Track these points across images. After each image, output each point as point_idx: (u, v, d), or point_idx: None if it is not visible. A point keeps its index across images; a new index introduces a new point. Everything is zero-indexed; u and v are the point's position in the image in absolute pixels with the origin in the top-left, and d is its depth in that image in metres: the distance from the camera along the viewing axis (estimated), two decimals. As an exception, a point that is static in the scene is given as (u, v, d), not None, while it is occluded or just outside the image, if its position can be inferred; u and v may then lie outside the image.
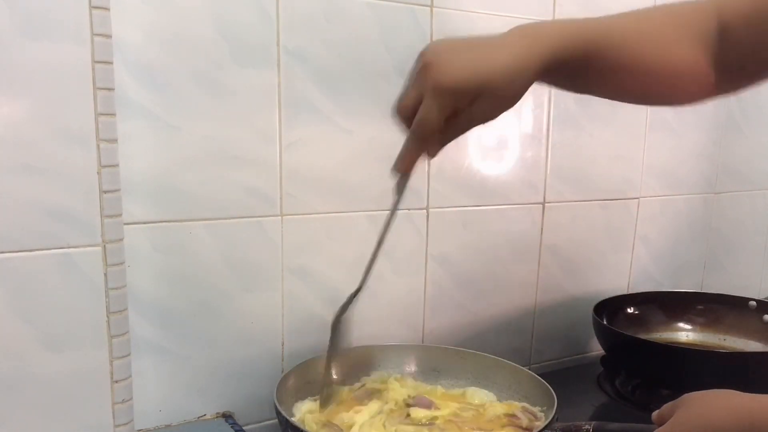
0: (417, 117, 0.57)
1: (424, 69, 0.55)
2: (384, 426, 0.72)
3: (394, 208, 0.66)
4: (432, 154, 0.61)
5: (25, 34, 0.63)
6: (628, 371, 1.00)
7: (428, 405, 0.77)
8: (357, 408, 0.76)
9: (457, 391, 0.84)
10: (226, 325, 0.81)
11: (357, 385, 0.82)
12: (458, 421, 0.75)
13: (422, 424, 0.73)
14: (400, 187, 0.65)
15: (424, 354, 0.89)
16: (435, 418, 0.75)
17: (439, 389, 0.84)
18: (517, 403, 0.80)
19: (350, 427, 0.72)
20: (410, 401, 0.78)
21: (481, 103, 0.57)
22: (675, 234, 1.25)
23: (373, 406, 0.77)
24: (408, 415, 0.75)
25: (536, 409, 0.77)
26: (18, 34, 0.62)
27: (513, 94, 0.59)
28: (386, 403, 0.77)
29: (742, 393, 0.50)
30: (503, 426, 0.74)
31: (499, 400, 0.82)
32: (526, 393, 0.80)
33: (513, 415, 0.75)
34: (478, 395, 0.82)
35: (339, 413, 0.76)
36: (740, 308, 1.11)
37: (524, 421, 0.74)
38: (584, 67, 0.59)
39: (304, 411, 0.76)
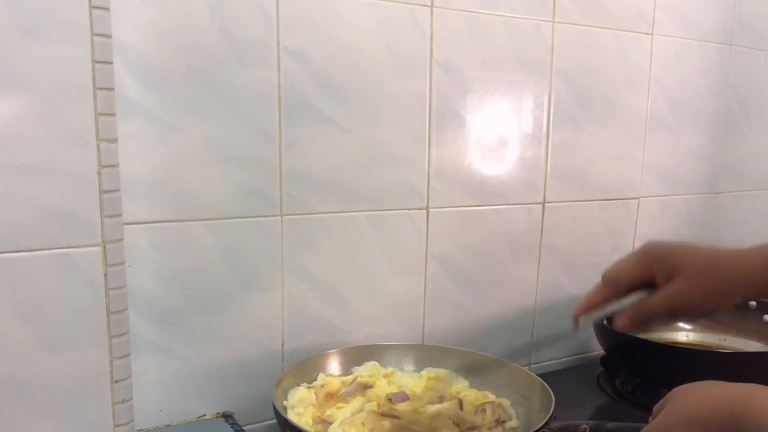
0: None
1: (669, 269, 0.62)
2: (363, 424, 0.72)
3: None
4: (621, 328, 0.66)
5: (25, 34, 0.63)
6: (628, 371, 1.00)
7: (405, 399, 0.79)
8: (339, 405, 0.77)
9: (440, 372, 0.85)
10: (226, 325, 0.81)
11: (350, 378, 0.82)
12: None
13: (393, 416, 0.75)
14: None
15: (423, 353, 0.89)
16: (415, 411, 0.76)
17: (425, 374, 0.85)
18: (497, 398, 0.80)
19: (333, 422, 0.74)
20: (391, 396, 0.79)
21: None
22: (675, 234, 1.24)
23: (356, 403, 0.77)
24: (390, 409, 0.76)
25: (512, 411, 0.78)
26: (18, 34, 0.62)
27: None
28: (369, 400, 0.77)
29: (726, 383, 0.51)
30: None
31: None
32: (526, 393, 0.80)
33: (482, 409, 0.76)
34: (456, 383, 0.84)
35: (331, 408, 0.76)
36: (740, 308, 1.11)
37: (487, 416, 0.75)
38: None
39: (297, 397, 0.76)
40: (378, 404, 0.77)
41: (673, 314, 0.65)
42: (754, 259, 0.62)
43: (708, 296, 0.62)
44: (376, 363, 0.85)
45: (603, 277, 0.68)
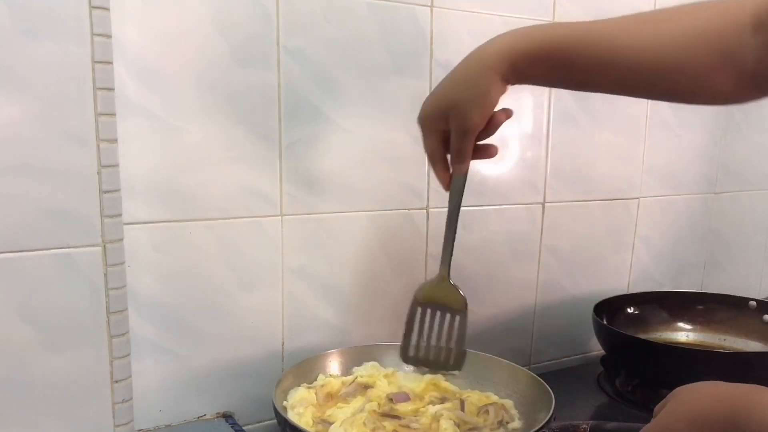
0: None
1: (443, 118, 0.69)
2: (364, 424, 0.72)
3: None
4: (459, 171, 0.73)
5: (25, 34, 0.63)
6: (628, 371, 1.00)
7: (405, 399, 0.78)
8: (340, 405, 0.76)
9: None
10: (226, 325, 0.81)
11: (350, 378, 0.82)
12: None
13: (394, 416, 0.75)
14: (456, 190, 0.75)
15: (424, 354, 0.88)
16: (416, 411, 0.76)
17: (426, 378, 0.84)
18: (500, 399, 0.80)
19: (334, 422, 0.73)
20: (392, 396, 0.79)
21: (453, 118, 0.69)
22: (675, 234, 1.25)
23: (357, 403, 0.77)
24: (391, 409, 0.76)
25: (515, 412, 0.78)
26: (18, 34, 0.62)
27: (473, 99, 0.69)
28: (370, 400, 0.77)
29: (726, 383, 0.51)
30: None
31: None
32: (526, 393, 0.80)
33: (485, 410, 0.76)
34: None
35: (331, 408, 0.76)
36: (740, 308, 1.11)
37: (490, 418, 0.75)
38: (562, 63, 0.67)
39: (297, 398, 0.76)
40: (378, 404, 0.77)
41: (468, 138, 0.70)
42: None
43: (480, 105, 0.69)
44: (376, 363, 0.85)
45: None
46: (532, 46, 0.67)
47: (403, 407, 0.77)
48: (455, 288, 0.79)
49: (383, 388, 0.80)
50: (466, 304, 0.78)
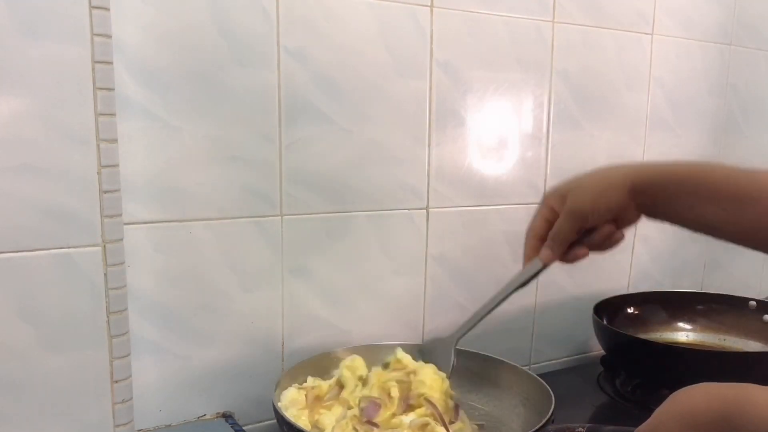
0: (554, 229, 0.73)
1: (561, 197, 0.72)
2: (354, 429, 0.71)
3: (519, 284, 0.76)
4: (545, 256, 0.74)
5: (25, 34, 0.63)
6: (628, 371, 1.00)
7: (376, 410, 0.75)
8: (321, 410, 0.75)
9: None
10: (226, 325, 0.81)
11: (332, 381, 0.80)
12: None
13: (373, 424, 0.73)
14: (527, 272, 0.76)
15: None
16: (390, 419, 0.74)
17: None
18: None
19: (323, 428, 0.73)
20: (363, 408, 0.75)
21: (570, 197, 0.72)
22: (675, 234, 1.24)
23: (337, 409, 0.75)
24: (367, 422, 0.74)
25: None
26: (18, 33, 0.62)
27: (595, 187, 0.72)
28: (349, 407, 0.75)
29: (721, 383, 0.51)
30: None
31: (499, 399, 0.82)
32: (526, 393, 0.80)
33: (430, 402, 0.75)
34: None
35: (317, 413, 0.75)
36: (740, 308, 1.11)
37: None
38: (670, 196, 0.69)
39: (288, 399, 0.76)
40: (355, 415, 0.74)
41: (578, 226, 0.71)
42: (633, 165, 0.73)
43: (596, 195, 0.71)
44: (356, 358, 0.82)
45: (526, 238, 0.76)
46: (664, 170, 0.71)
47: (379, 416, 0.74)
48: (452, 355, 0.79)
49: (351, 387, 0.78)
50: (449, 374, 0.78)
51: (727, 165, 0.71)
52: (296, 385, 0.78)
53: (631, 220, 0.73)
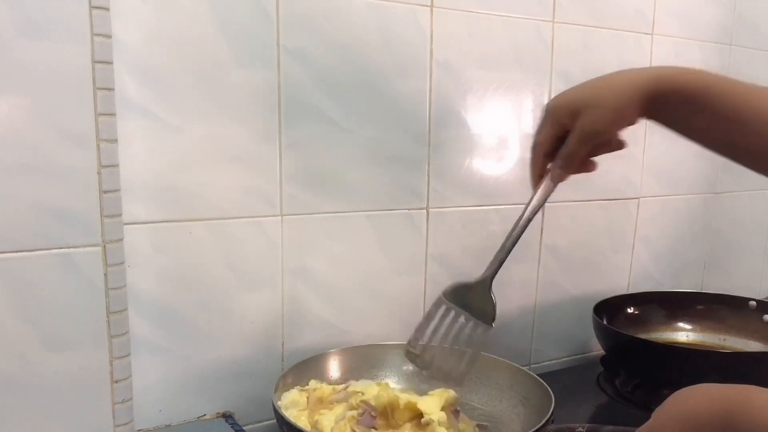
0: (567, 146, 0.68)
1: (572, 112, 0.67)
2: (352, 430, 0.71)
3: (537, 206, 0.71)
4: (556, 177, 0.70)
5: (25, 34, 0.63)
6: (628, 371, 1.00)
7: (370, 425, 0.74)
8: (323, 411, 0.75)
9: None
10: (226, 325, 0.81)
11: (341, 386, 0.81)
12: None
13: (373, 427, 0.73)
14: (541, 197, 0.71)
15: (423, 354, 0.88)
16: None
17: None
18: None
19: (322, 429, 0.72)
20: (357, 416, 0.74)
21: (584, 117, 0.67)
22: (675, 234, 1.25)
23: (338, 409, 0.76)
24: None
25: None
26: (18, 34, 0.62)
27: (611, 105, 0.67)
28: (352, 407, 0.75)
29: (721, 384, 0.51)
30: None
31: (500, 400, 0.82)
32: (526, 393, 0.80)
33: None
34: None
35: (317, 414, 0.75)
36: (740, 308, 1.11)
37: None
38: (690, 108, 0.67)
39: (289, 399, 0.76)
40: (355, 415, 0.74)
41: (593, 145, 0.68)
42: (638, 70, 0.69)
43: (615, 114, 0.67)
44: (374, 375, 0.85)
45: (532, 151, 0.71)
46: (681, 80, 0.67)
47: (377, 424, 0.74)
48: (491, 297, 0.72)
49: (372, 391, 0.78)
50: (494, 318, 0.71)
51: (734, 82, 0.67)
52: (298, 387, 0.78)
53: (631, 124, 0.70)
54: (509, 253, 0.72)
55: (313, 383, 0.80)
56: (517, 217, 0.70)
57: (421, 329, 0.72)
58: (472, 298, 0.72)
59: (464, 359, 0.71)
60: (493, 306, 0.72)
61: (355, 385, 0.81)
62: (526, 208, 0.70)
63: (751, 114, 0.64)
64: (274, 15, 0.78)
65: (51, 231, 0.66)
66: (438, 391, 0.78)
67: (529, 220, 0.70)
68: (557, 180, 0.70)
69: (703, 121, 0.67)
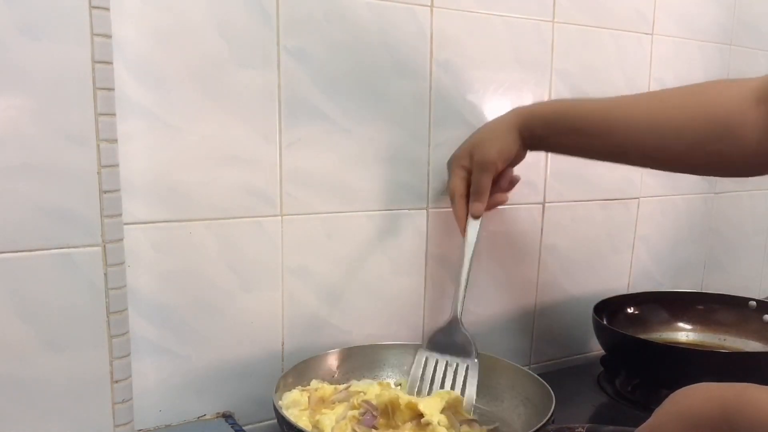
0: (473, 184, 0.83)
1: (467, 155, 0.84)
2: (353, 430, 0.71)
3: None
4: (475, 210, 0.84)
5: (25, 34, 0.63)
6: (628, 371, 1.00)
7: (370, 424, 0.74)
8: (324, 411, 0.75)
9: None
10: (226, 325, 0.81)
11: (342, 385, 0.81)
12: None
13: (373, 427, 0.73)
14: (471, 237, 0.84)
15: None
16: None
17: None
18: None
19: (323, 429, 0.73)
20: (358, 415, 0.74)
21: (476, 154, 0.83)
22: (675, 234, 1.25)
23: (339, 409, 0.76)
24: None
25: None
26: (18, 34, 0.62)
27: (493, 138, 0.83)
28: (353, 407, 0.75)
29: (721, 383, 0.51)
30: None
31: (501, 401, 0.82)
32: (526, 393, 0.80)
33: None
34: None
35: (319, 414, 0.75)
36: (740, 308, 1.11)
37: None
38: (562, 132, 0.80)
39: (290, 399, 0.76)
40: (356, 415, 0.74)
41: (491, 175, 0.82)
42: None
43: (499, 143, 0.81)
44: (376, 375, 0.86)
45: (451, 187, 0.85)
46: (543, 109, 0.84)
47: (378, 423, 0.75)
48: (465, 333, 0.82)
49: (374, 391, 0.79)
50: (476, 352, 0.80)
51: (595, 100, 0.79)
52: (299, 387, 0.78)
53: (520, 159, 0.84)
54: (466, 289, 0.83)
55: (314, 383, 0.80)
56: (466, 255, 0.84)
57: (413, 386, 0.82)
58: (449, 340, 0.82)
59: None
60: (470, 341, 0.81)
61: (357, 385, 0.82)
62: (464, 248, 0.83)
63: (604, 125, 0.76)
64: (274, 15, 0.78)
65: (51, 231, 0.66)
66: (440, 392, 0.79)
67: (471, 257, 0.83)
68: (477, 214, 0.82)
69: (573, 141, 0.79)
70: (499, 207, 0.92)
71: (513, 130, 0.81)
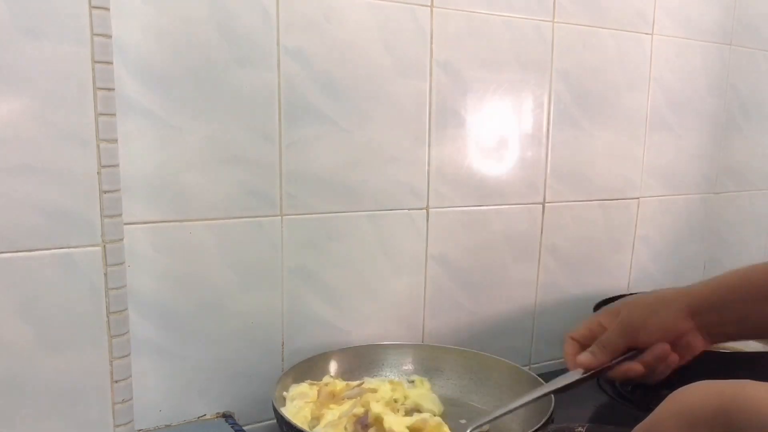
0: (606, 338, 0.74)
1: (613, 313, 0.75)
2: (345, 428, 0.71)
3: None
4: (584, 361, 0.74)
5: (25, 34, 0.63)
6: (628, 371, 1.00)
7: (365, 424, 0.73)
8: (332, 406, 0.76)
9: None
10: (226, 325, 0.81)
11: (355, 382, 0.82)
12: None
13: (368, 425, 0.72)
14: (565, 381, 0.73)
15: (423, 354, 0.89)
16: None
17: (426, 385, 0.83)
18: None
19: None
20: (358, 414, 0.74)
21: (623, 310, 0.75)
22: (675, 234, 1.25)
23: (345, 406, 0.76)
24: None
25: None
26: (18, 33, 0.62)
27: (650, 314, 0.73)
28: (360, 405, 0.75)
29: (720, 381, 0.51)
30: None
31: (501, 400, 0.82)
32: (526, 393, 0.80)
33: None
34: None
35: (326, 408, 0.75)
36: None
37: None
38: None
39: (297, 391, 0.76)
40: (356, 415, 0.74)
41: (629, 339, 0.72)
42: (695, 288, 0.73)
43: (650, 312, 0.71)
44: (388, 372, 0.86)
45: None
46: (712, 284, 0.73)
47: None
48: None
49: (385, 392, 0.79)
50: None
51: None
52: (309, 380, 0.79)
53: (696, 347, 0.72)
54: (500, 417, 0.71)
55: (326, 378, 0.80)
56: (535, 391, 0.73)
57: None
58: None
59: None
60: None
61: (370, 382, 0.82)
62: (545, 386, 0.73)
63: None
64: (274, 15, 0.78)
65: (51, 231, 0.66)
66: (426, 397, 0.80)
67: (540, 397, 0.72)
68: (583, 364, 0.73)
69: (752, 310, 0.70)
70: (499, 206, 0.92)
71: (678, 306, 0.71)
